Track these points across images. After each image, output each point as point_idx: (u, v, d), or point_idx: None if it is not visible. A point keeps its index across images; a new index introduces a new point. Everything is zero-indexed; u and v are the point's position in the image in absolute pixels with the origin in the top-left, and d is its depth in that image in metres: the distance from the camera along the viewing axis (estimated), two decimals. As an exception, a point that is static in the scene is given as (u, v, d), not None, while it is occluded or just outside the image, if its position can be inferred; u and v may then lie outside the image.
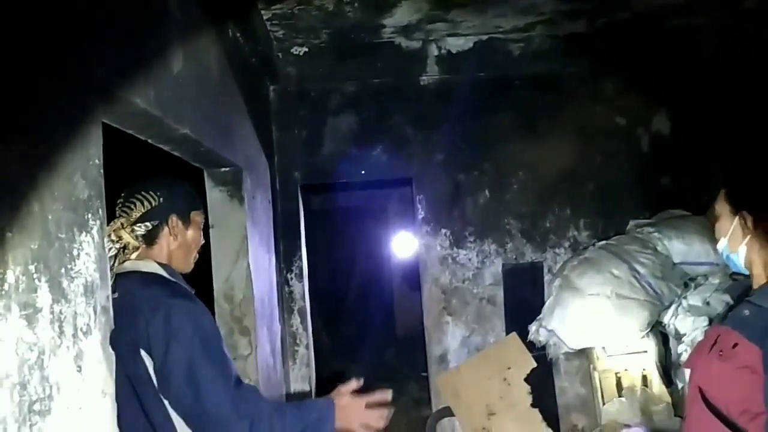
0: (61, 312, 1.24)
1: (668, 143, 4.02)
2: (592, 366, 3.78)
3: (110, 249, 1.61)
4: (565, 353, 3.68)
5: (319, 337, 4.89)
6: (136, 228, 1.67)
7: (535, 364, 3.73)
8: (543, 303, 3.72)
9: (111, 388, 1.44)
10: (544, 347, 3.61)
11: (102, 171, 1.49)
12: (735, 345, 1.41)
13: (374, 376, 5.61)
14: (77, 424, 1.27)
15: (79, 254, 1.34)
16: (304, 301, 4.01)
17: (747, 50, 3.60)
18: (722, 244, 1.56)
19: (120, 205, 1.72)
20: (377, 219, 6.14)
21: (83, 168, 1.39)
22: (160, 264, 1.67)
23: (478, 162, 4.00)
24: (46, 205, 1.22)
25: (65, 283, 1.27)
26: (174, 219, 1.72)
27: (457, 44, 3.90)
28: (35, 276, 1.15)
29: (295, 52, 3.82)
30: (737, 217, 1.50)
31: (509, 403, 3.74)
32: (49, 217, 1.23)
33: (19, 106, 1.17)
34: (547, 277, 3.96)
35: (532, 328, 3.66)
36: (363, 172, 4.00)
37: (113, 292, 1.57)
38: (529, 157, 3.99)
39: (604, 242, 3.68)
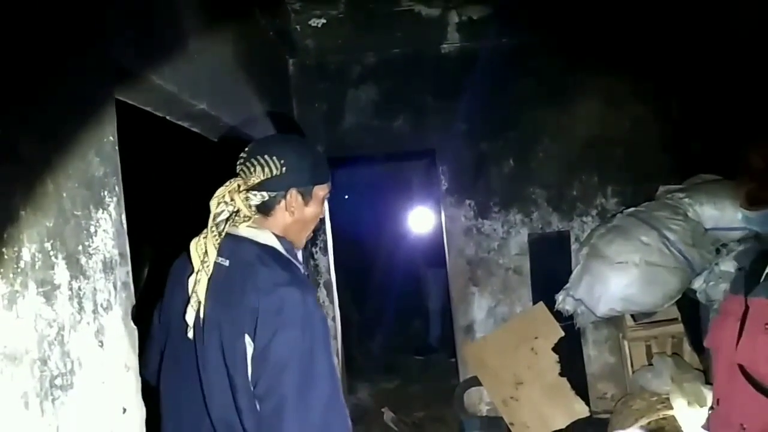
0: (80, 288, 1.26)
1: (699, 107, 3.87)
2: (621, 334, 3.74)
3: (222, 212, 1.49)
4: (594, 322, 3.64)
5: (347, 310, 4.92)
6: (250, 196, 1.52)
7: (562, 334, 3.71)
8: (570, 272, 3.67)
9: (134, 362, 1.47)
10: (571, 316, 3.58)
11: (117, 148, 1.50)
12: None
13: (402, 347, 5.70)
14: (101, 397, 1.30)
15: (96, 231, 1.35)
16: (330, 275, 4.03)
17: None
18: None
19: (242, 162, 1.55)
20: (402, 190, 6.12)
21: (98, 145, 1.40)
22: (276, 236, 1.54)
23: (502, 131, 3.92)
24: (61, 183, 1.23)
25: (83, 260, 1.28)
26: (293, 194, 1.54)
27: (477, 10, 3.80)
28: (52, 253, 1.17)
29: (312, 24, 3.77)
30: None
31: (537, 373, 3.74)
32: (64, 194, 1.24)
33: (32, 84, 1.17)
34: (574, 246, 3.90)
35: (560, 297, 3.62)
36: (384, 146, 3.96)
37: (223, 256, 1.48)
38: (554, 124, 3.90)
39: (632, 209, 3.60)
